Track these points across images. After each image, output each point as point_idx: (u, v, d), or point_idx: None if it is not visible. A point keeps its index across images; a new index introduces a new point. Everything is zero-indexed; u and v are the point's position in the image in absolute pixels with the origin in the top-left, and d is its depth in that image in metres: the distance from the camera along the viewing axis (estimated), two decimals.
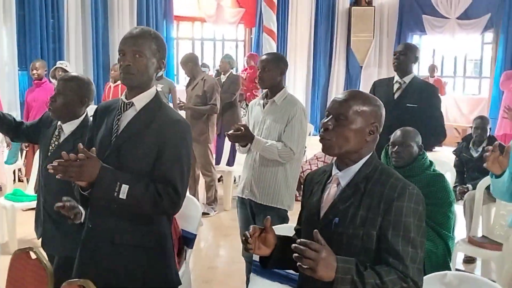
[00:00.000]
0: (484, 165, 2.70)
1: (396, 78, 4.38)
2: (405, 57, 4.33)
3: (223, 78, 7.54)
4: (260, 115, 3.72)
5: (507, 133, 8.79)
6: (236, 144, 3.79)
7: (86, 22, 9.38)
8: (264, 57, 3.77)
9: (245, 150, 3.73)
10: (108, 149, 2.24)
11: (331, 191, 1.90)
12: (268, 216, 1.96)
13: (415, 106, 4.16)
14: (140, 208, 2.18)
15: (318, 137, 1.97)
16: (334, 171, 1.92)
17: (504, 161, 2.66)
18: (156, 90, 2.34)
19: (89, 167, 2.05)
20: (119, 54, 2.26)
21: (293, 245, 1.66)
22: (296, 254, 1.64)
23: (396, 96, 4.31)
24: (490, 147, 2.69)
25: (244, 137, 3.56)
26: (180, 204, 2.23)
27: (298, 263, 1.64)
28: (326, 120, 1.87)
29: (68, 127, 2.96)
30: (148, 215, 2.25)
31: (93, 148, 2.19)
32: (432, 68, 11.27)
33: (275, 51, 9.70)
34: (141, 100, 2.27)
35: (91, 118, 2.97)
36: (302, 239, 1.68)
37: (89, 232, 2.34)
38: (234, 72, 8.16)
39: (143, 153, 2.21)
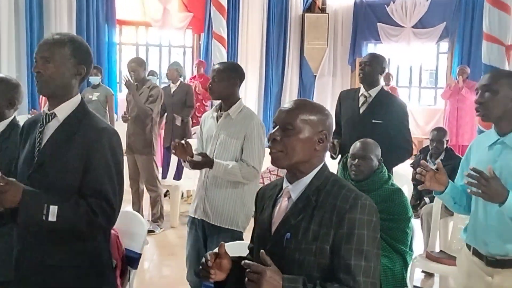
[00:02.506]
0: (420, 187, 2.69)
1: (362, 90, 4.19)
2: (370, 68, 4.10)
3: (173, 87, 7.39)
4: (213, 129, 3.56)
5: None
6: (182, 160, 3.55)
7: (19, 25, 8.73)
8: (216, 66, 3.63)
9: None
10: (32, 166, 2.16)
11: (282, 205, 1.87)
12: (222, 242, 1.90)
13: (381, 122, 3.98)
14: (74, 229, 2.08)
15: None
16: (285, 184, 1.89)
17: (441, 177, 2.62)
18: (82, 98, 2.26)
19: (10, 193, 1.95)
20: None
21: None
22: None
23: (361, 110, 4.14)
24: (419, 169, 2.64)
25: (204, 164, 3.39)
26: (115, 217, 2.16)
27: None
28: (273, 131, 1.85)
29: None
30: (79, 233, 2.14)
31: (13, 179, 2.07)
32: (387, 77, 11.03)
33: (225, 58, 9.32)
34: (63, 110, 2.20)
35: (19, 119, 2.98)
36: (245, 261, 1.69)
37: (18, 255, 2.25)
38: (183, 81, 7.91)
39: (69, 167, 2.11)
